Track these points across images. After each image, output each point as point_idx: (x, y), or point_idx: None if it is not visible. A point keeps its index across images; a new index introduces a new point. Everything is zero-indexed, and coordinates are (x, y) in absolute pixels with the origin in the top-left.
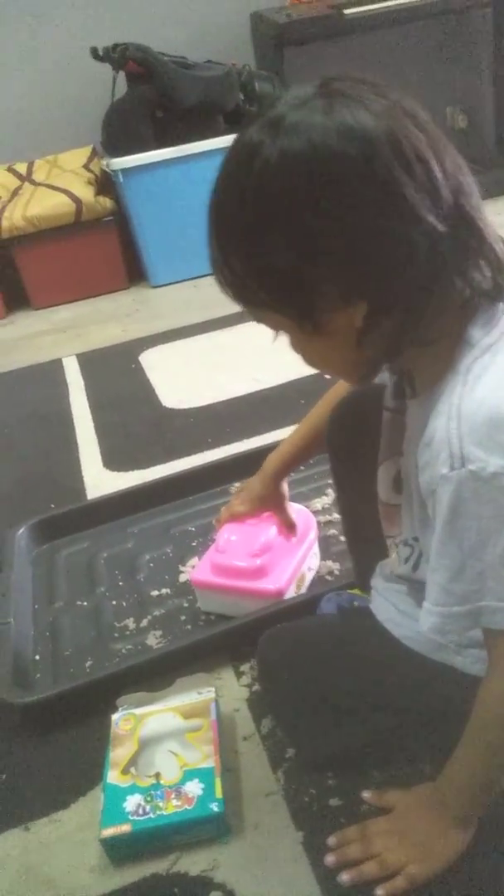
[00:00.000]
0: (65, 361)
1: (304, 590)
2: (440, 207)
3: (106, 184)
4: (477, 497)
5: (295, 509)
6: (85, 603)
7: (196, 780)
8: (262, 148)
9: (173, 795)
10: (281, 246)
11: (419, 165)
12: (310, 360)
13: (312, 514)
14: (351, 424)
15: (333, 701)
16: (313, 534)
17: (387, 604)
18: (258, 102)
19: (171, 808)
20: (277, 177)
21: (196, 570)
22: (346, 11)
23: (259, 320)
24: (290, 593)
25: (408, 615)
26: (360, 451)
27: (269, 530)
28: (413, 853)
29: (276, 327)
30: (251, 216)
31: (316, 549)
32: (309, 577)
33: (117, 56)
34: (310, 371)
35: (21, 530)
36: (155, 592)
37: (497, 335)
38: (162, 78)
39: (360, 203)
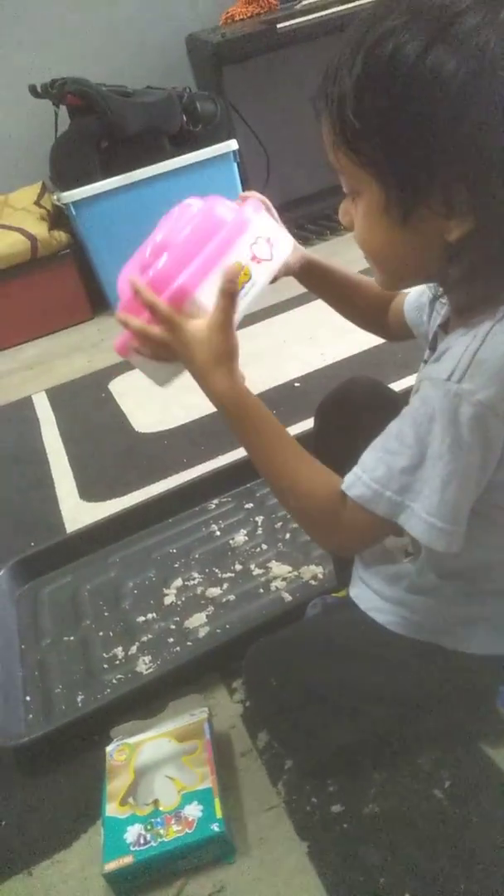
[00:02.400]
0: (34, 398)
1: (256, 286)
2: None
3: (59, 218)
4: (455, 415)
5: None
6: (72, 638)
7: (195, 803)
8: (435, 48)
9: (173, 821)
10: (428, 120)
11: None
12: (366, 239)
13: None
14: (340, 413)
15: (324, 700)
16: (255, 220)
17: (369, 592)
18: (202, 122)
19: (172, 833)
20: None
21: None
22: (279, 25)
23: (343, 172)
24: (216, 290)
25: (392, 600)
26: (346, 441)
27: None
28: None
29: (358, 188)
30: (415, 76)
31: (276, 235)
32: (263, 270)
33: (56, 91)
34: (278, 381)
35: (1, 572)
36: (141, 618)
37: None
38: (103, 108)
39: None
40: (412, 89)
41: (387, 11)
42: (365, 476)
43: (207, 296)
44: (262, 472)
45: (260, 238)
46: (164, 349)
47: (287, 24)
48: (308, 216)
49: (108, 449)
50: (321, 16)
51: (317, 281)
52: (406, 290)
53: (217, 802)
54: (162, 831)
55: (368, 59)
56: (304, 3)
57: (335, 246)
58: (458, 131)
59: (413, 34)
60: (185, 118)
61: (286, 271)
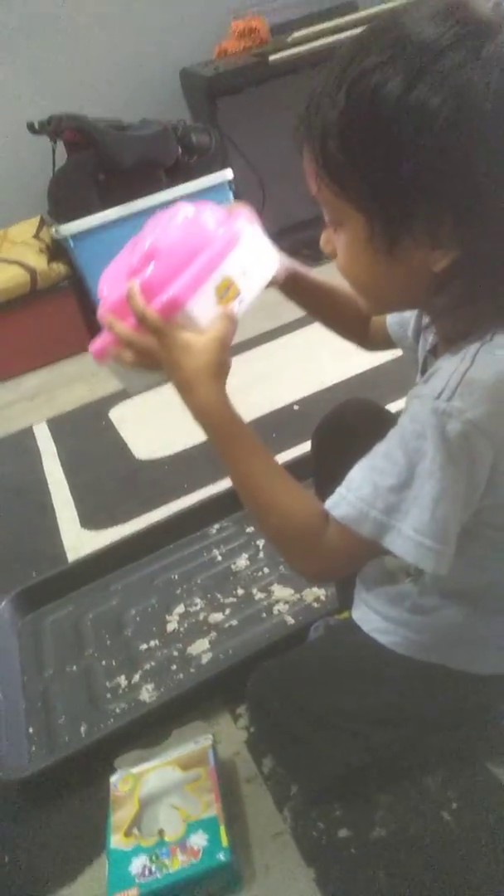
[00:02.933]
0: (35, 429)
1: (244, 303)
2: None
3: (58, 250)
4: (443, 433)
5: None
6: (74, 668)
7: (200, 832)
8: (422, 82)
9: (178, 851)
10: (413, 155)
11: None
12: (349, 269)
13: None
14: (336, 436)
15: (328, 722)
16: (246, 234)
17: (371, 613)
18: (197, 153)
19: (178, 864)
20: (437, 106)
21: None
22: (271, 58)
23: (325, 202)
24: (207, 303)
25: (395, 621)
26: (343, 464)
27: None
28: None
29: (340, 219)
30: (399, 111)
31: (265, 250)
32: (252, 285)
33: (53, 127)
34: (277, 405)
35: (3, 603)
36: (144, 646)
37: None
38: (99, 143)
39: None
40: (396, 125)
41: (369, 46)
42: (350, 495)
43: (198, 308)
44: (242, 490)
45: (250, 252)
46: (146, 357)
47: (278, 55)
48: (303, 241)
49: (109, 477)
50: (312, 47)
51: (301, 293)
52: None
53: (222, 831)
54: (167, 862)
55: (351, 93)
56: (294, 35)
57: (331, 270)
58: (444, 166)
59: (396, 71)
60: (180, 150)
61: (271, 282)
